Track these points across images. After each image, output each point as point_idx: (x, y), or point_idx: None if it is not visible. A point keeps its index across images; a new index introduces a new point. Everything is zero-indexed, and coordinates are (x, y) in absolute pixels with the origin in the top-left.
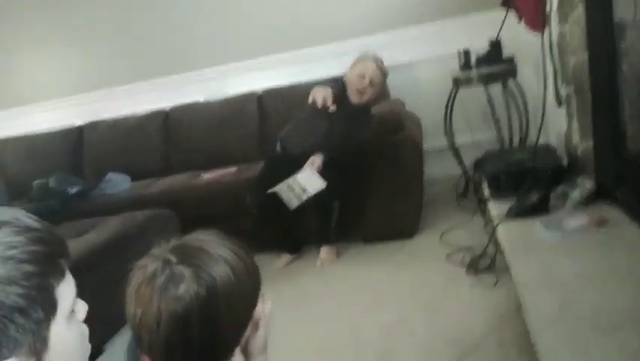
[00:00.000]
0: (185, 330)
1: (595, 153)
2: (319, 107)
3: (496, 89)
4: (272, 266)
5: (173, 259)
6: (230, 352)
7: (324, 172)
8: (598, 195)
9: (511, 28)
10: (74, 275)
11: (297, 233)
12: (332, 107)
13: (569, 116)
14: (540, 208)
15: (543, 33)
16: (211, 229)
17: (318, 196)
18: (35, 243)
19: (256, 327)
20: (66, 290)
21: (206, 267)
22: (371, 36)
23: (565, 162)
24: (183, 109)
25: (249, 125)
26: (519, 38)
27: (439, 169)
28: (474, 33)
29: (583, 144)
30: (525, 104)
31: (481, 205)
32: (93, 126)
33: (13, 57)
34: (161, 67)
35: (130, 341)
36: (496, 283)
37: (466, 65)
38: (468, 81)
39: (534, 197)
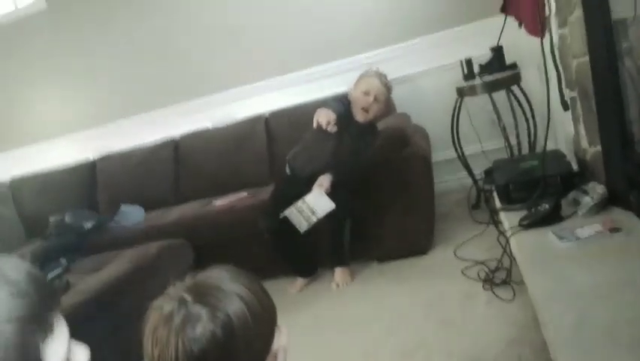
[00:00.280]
0: None
1: (604, 157)
2: (324, 128)
3: (501, 96)
4: (287, 291)
5: (189, 298)
6: None
7: (333, 193)
8: (610, 201)
9: (512, 34)
10: (91, 312)
11: (310, 256)
12: (332, 129)
13: (575, 120)
14: (552, 217)
15: (543, 37)
16: (225, 264)
17: (329, 217)
18: (17, 297)
19: (274, 360)
20: (55, 346)
21: (222, 305)
22: (372, 52)
23: (575, 167)
24: (192, 136)
25: (257, 148)
26: (521, 44)
27: (451, 180)
28: (475, 42)
29: (591, 149)
30: (532, 110)
31: (494, 216)
32: (105, 159)
33: (26, 97)
34: (168, 96)
35: None
36: (513, 297)
37: (469, 74)
38: (472, 90)
39: (545, 206)
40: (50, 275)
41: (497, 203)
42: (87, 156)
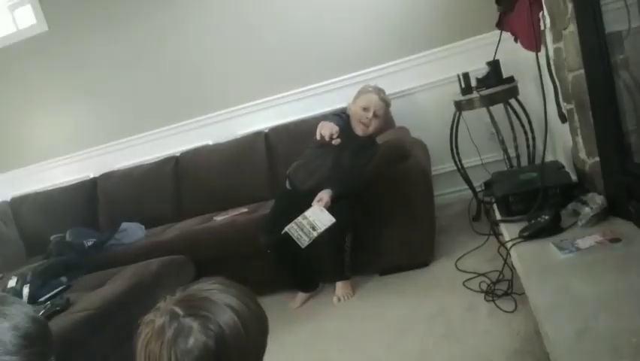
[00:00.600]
0: None
1: (602, 168)
2: (327, 140)
3: (499, 109)
4: (288, 305)
5: (180, 311)
6: None
7: (333, 207)
8: (609, 211)
9: (509, 48)
10: (92, 329)
11: (311, 270)
12: (335, 141)
13: (573, 132)
14: (552, 228)
15: (539, 51)
16: (215, 275)
17: (330, 231)
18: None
19: None
20: None
21: (213, 317)
22: (370, 68)
23: (574, 178)
24: (193, 153)
25: (257, 164)
26: (518, 58)
27: (451, 192)
28: (472, 56)
29: (590, 160)
30: (530, 122)
31: (494, 228)
32: (106, 177)
33: (27, 118)
34: (168, 114)
35: None
36: (515, 308)
37: (466, 88)
38: (470, 104)
39: (545, 217)
40: (51, 293)
41: (497, 215)
42: (88, 174)
